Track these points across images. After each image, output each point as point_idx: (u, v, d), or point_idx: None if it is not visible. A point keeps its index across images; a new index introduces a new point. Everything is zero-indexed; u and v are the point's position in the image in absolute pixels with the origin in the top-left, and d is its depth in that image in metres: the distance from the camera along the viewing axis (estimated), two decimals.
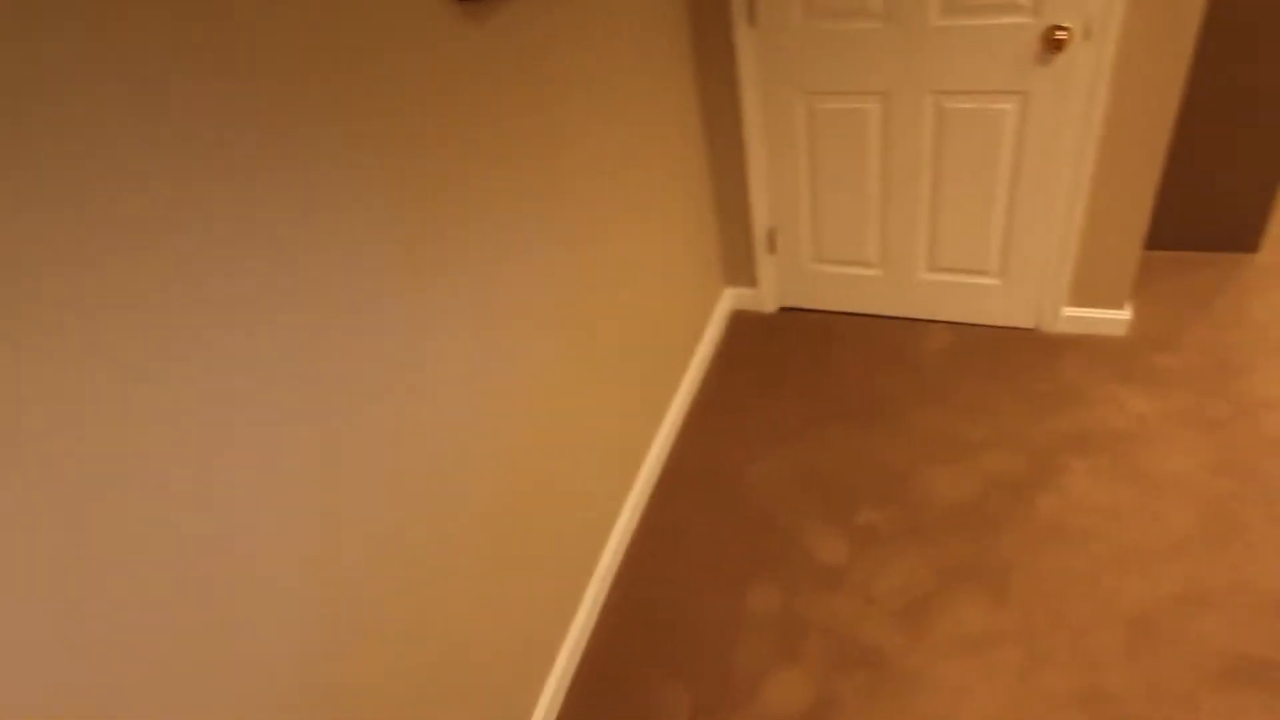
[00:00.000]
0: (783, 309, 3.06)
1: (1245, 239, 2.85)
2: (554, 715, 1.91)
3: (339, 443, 1.23)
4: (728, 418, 2.65)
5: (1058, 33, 2.13)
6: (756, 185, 2.74)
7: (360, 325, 1.25)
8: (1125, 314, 2.61)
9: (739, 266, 3.00)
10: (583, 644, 2.05)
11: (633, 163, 2.16)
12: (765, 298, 3.02)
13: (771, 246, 2.89)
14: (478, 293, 1.55)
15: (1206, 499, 2.16)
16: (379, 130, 1.26)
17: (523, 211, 1.67)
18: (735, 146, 2.69)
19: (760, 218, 2.82)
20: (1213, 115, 2.63)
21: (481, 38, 1.49)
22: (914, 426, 2.50)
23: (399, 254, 1.33)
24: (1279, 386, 2.41)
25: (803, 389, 2.70)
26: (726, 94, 2.58)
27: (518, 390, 1.71)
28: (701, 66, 2.55)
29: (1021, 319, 2.73)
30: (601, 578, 2.14)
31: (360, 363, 1.26)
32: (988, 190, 2.49)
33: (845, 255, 2.81)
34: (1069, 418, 2.44)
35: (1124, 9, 2.08)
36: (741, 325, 3.02)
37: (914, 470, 2.37)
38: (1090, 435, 2.38)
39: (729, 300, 3.06)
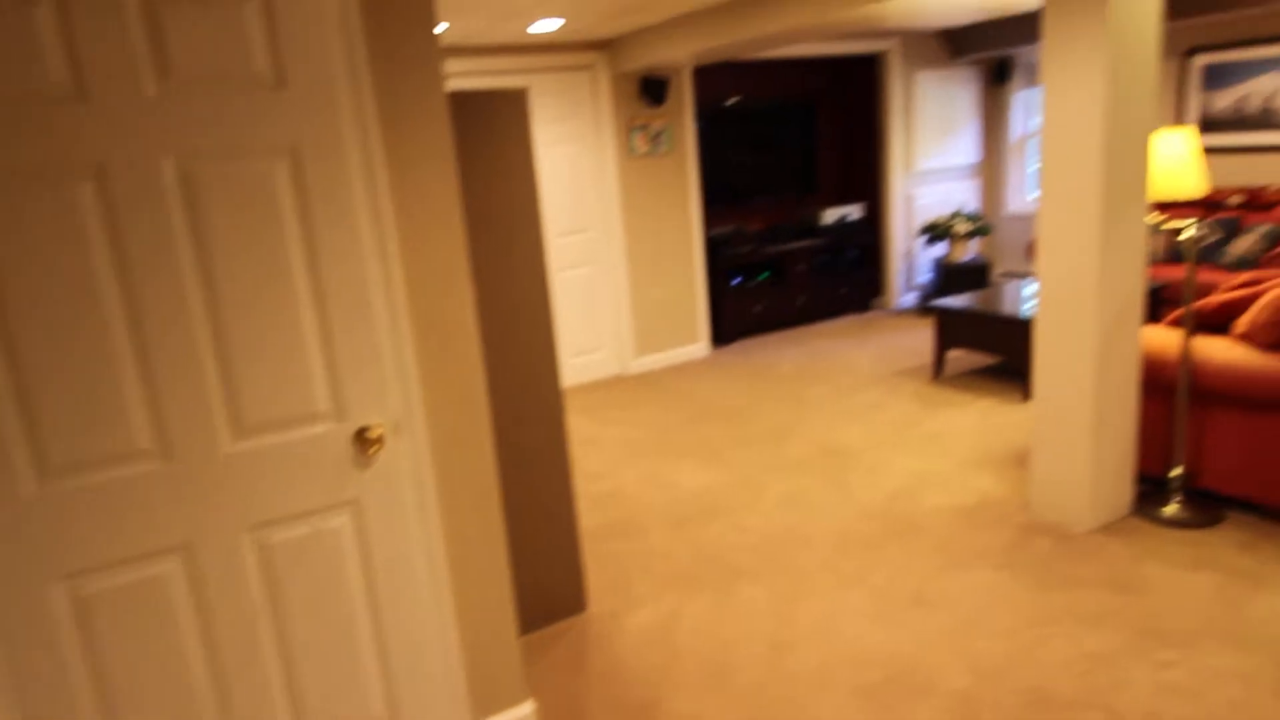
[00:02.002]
0: None
1: (574, 602, 3.01)
2: None
3: None
4: None
5: (369, 433, 2.00)
6: None
7: None
8: (529, 706, 2.38)
9: None
10: None
11: None
12: None
13: None
14: None
15: None
16: None
17: None
18: None
19: None
20: (512, 514, 2.81)
21: None
22: None
23: None
24: (686, 705, 2.44)
25: None
26: None
27: None
28: None
29: None
30: None
31: None
32: (347, 623, 2.07)
33: None
34: None
35: (423, 404, 2.09)
36: None
37: None
38: None
39: None
